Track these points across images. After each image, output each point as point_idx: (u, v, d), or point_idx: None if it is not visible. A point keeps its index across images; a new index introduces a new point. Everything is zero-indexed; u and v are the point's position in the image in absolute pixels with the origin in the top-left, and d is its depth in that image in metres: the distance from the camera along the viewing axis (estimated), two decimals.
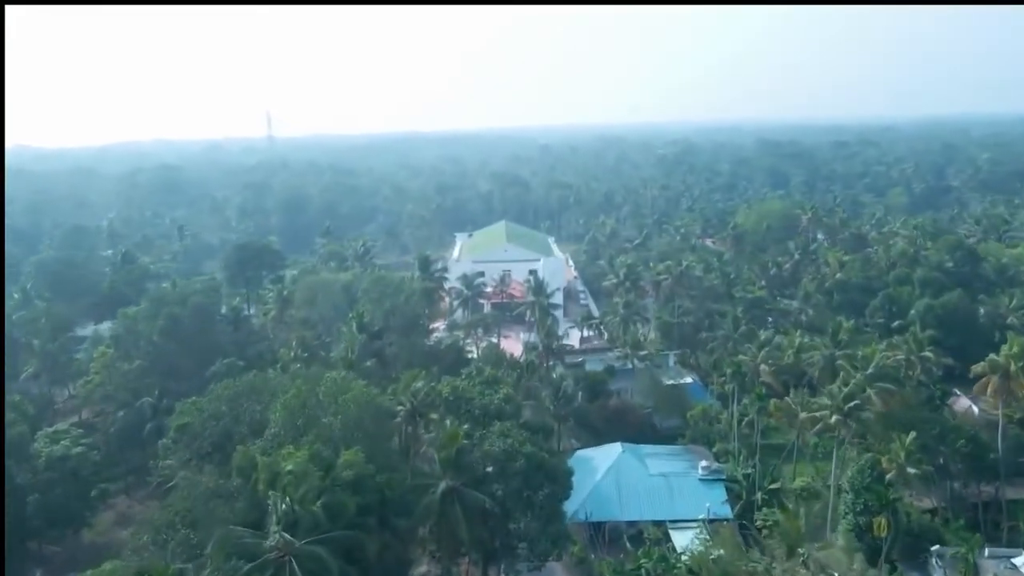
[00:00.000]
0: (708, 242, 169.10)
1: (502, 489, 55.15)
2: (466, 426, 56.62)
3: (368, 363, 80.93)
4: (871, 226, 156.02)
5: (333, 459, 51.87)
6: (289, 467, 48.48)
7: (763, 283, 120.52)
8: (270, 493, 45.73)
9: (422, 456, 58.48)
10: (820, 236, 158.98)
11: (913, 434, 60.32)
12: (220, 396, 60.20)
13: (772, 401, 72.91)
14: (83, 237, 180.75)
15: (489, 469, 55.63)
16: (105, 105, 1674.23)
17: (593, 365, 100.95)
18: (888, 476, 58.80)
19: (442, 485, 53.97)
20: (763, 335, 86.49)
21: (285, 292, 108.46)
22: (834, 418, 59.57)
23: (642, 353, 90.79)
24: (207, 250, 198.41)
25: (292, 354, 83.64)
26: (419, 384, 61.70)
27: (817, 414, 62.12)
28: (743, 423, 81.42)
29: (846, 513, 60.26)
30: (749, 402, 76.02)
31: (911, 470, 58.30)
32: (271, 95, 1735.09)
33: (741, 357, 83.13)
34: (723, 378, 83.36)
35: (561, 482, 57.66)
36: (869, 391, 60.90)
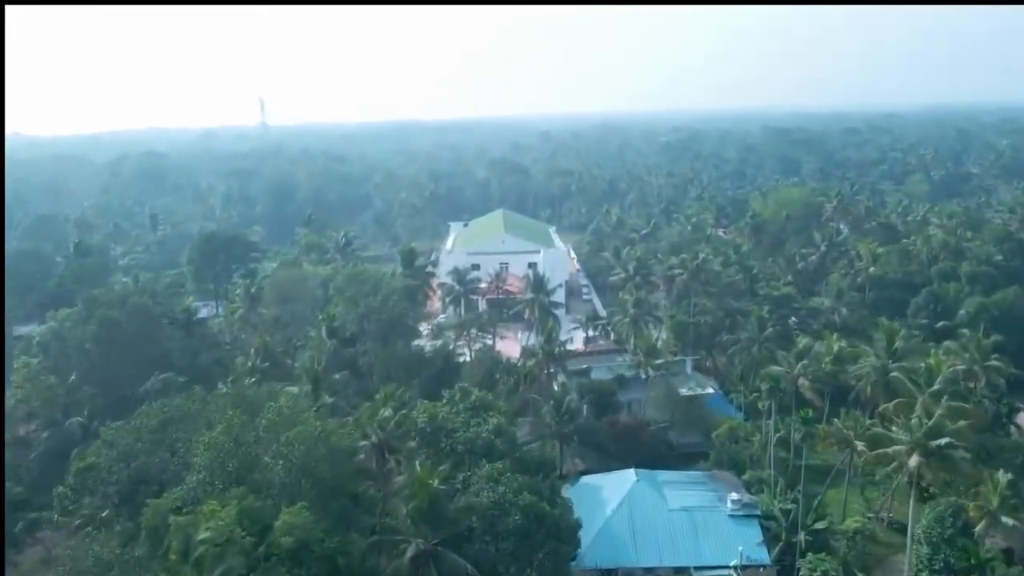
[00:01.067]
0: (720, 232, 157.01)
1: (491, 548, 43.20)
2: (443, 468, 44.50)
3: (337, 376, 69.01)
4: (897, 215, 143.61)
5: (272, 517, 39.91)
6: (207, 534, 36.57)
7: (789, 278, 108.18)
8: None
9: (393, 504, 46.24)
10: (842, 227, 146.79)
11: (1008, 475, 48.17)
12: (140, 427, 48.04)
13: (820, 427, 60.70)
14: (51, 227, 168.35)
15: (474, 520, 43.61)
16: (102, 93, 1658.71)
17: (600, 373, 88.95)
18: (977, 529, 46.75)
19: (412, 546, 41.99)
20: (801, 342, 74.22)
21: (253, 289, 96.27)
22: (914, 459, 47.29)
23: (658, 362, 78.63)
24: (187, 240, 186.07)
25: (250, 364, 71.66)
26: (388, 411, 49.50)
27: (890, 451, 49.84)
28: (772, 440, 69.49)
29: (920, 571, 48.41)
30: (792, 425, 63.93)
31: (1007, 520, 46.24)
32: (269, 83, 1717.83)
33: (775, 368, 70.95)
34: (756, 393, 71.21)
35: (567, 539, 45.70)
36: (952, 424, 48.21)
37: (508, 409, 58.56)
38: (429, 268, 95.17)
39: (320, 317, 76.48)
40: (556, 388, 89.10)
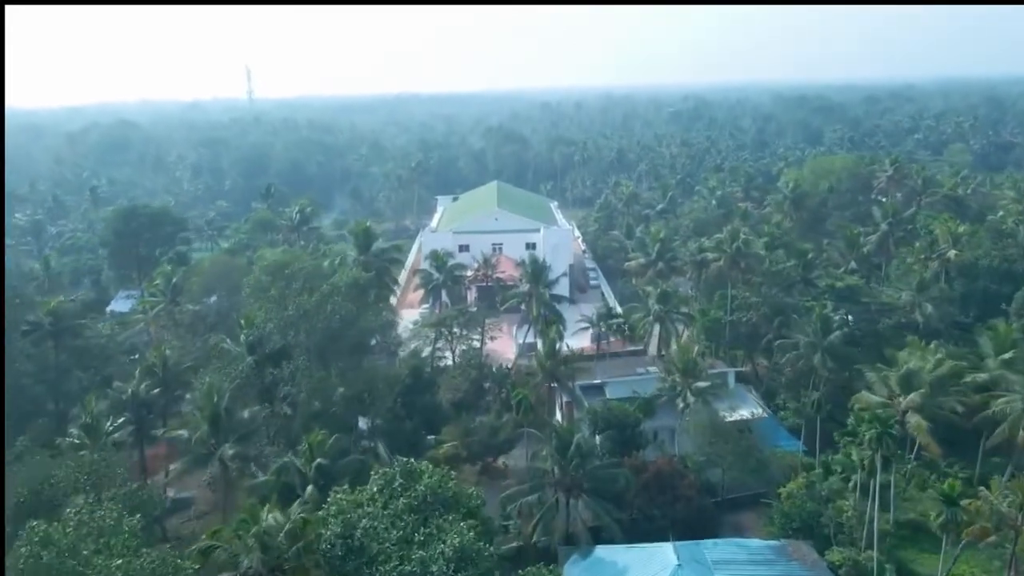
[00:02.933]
0: (747, 207, 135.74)
1: None
2: None
3: (248, 413, 48.32)
4: (960, 185, 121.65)
5: None
6: None
7: (852, 265, 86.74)
8: None
9: None
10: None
11: None
12: None
13: (969, 503, 40.01)
14: None
15: None
16: (93, 66, 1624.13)
17: (617, 390, 68.20)
18: None
19: None
20: (907, 358, 53.29)
21: (175, 280, 75.36)
22: None
23: (702, 385, 57.71)
24: None
25: (130, 391, 50.92)
26: (273, 517, 28.79)
27: None
28: (874, 506, 48.88)
29: None
30: (891, 475, 43.26)
31: None
32: (265, 57, 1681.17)
33: (872, 398, 50.13)
34: (851, 439, 50.44)
35: None
36: None
37: (486, 495, 37.79)
38: (386, 254, 72.04)
39: (242, 325, 55.70)
40: (560, 413, 68.73)
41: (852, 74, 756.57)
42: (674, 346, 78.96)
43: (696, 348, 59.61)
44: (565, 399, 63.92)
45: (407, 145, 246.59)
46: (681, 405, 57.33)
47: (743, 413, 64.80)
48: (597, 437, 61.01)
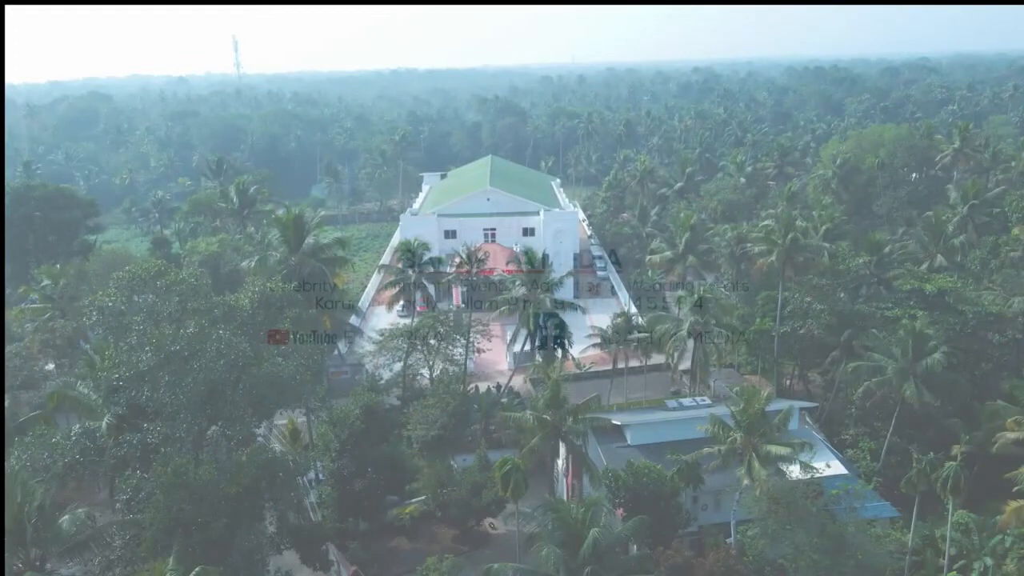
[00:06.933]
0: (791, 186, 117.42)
1: None
2: None
3: (67, 516, 30.54)
4: None
5: None
6: None
7: (940, 260, 68.27)
8: None
9: None
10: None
11: None
12: None
13: None
14: None
15: None
16: (89, 42, 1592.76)
17: (641, 434, 50.66)
18: None
19: None
20: None
21: (63, 282, 57.45)
22: None
23: (776, 451, 39.53)
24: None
25: None
26: None
27: None
28: None
29: None
30: None
31: None
32: (260, 32, 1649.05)
33: None
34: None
35: None
36: None
37: None
38: (339, 250, 53.31)
39: (101, 361, 37.88)
40: (562, 475, 51.05)
41: (856, 51, 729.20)
42: (715, 370, 61.78)
43: (766, 393, 41.52)
44: (572, 458, 45.95)
45: (397, 119, 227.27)
46: (746, 481, 39.42)
47: (812, 465, 46.91)
48: (618, 505, 43.71)
